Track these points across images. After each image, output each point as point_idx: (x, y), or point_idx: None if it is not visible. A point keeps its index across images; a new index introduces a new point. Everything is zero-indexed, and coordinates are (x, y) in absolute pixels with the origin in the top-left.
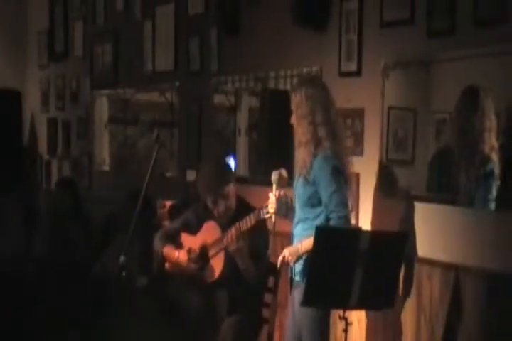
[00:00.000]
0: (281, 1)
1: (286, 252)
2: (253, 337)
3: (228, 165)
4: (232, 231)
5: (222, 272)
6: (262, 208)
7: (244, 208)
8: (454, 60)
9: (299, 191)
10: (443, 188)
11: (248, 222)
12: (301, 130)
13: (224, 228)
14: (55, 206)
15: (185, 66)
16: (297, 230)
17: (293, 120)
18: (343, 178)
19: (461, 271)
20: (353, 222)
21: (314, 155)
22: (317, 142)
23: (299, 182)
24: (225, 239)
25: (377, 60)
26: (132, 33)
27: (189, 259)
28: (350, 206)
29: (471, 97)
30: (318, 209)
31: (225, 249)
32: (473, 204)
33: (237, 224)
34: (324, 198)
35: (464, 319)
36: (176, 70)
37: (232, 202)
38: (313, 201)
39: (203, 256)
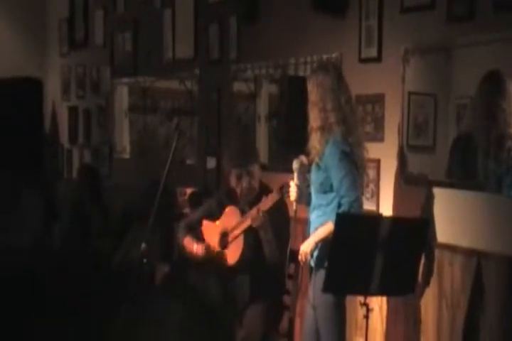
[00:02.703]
0: None
1: (300, 251)
2: (275, 323)
3: (255, 146)
4: (254, 211)
5: (241, 256)
6: (282, 186)
7: (266, 193)
8: (474, 45)
9: (312, 177)
10: (464, 174)
11: (269, 200)
12: (312, 116)
13: (244, 212)
14: (75, 194)
15: (205, 54)
16: (312, 217)
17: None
18: (352, 163)
19: (483, 257)
20: (373, 208)
21: (326, 141)
22: (328, 128)
23: (312, 169)
24: (247, 219)
25: (398, 45)
26: (152, 21)
27: (205, 255)
28: (362, 190)
29: (495, 82)
30: (331, 196)
31: (245, 231)
32: (500, 190)
33: (258, 204)
34: (335, 183)
35: (485, 305)
36: (195, 58)
37: (256, 183)
38: (326, 187)
39: (222, 247)
